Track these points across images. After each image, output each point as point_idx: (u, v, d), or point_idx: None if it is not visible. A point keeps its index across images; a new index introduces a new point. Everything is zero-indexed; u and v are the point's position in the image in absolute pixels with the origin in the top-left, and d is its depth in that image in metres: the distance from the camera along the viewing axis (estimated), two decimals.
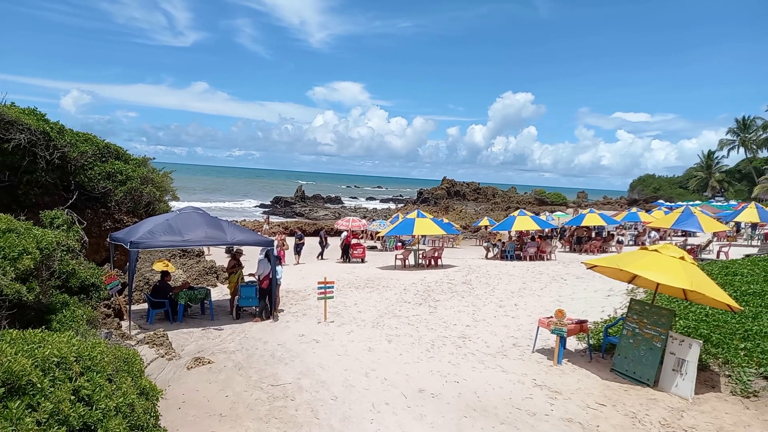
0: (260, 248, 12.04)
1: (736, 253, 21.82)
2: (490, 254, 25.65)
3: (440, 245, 27.22)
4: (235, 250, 12.92)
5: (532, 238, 25.76)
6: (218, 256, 18.23)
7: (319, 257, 25.23)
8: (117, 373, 4.95)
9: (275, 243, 12.69)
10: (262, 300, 11.77)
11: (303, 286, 16.17)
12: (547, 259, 23.69)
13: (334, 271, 19.47)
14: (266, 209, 65.90)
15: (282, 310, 12.62)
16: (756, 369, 7.72)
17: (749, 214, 26.68)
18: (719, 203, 50.57)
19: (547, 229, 29.15)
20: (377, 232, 32.66)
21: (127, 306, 10.84)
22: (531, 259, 23.62)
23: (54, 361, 3.85)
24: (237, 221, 39.36)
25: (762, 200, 48.01)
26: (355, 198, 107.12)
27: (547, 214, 46.43)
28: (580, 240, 28.12)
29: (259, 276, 11.76)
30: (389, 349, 9.57)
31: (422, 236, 27.73)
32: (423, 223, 21.43)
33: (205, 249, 21.04)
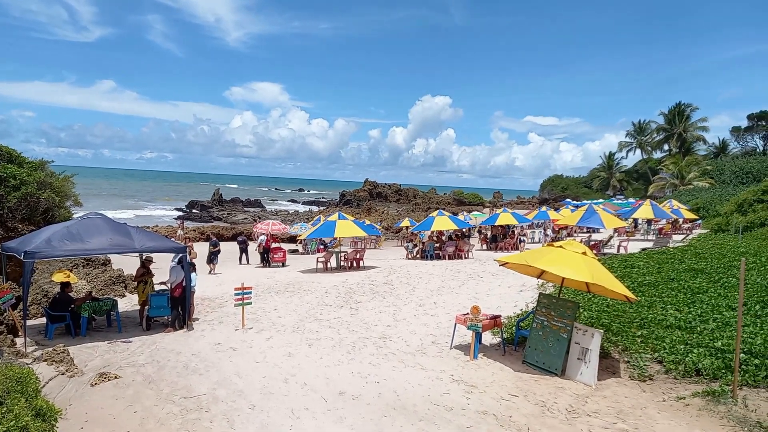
0: (173, 255, 11.51)
1: (634, 247, 23.65)
2: (411, 254, 26.11)
3: (362, 247, 27.35)
4: (144, 257, 12.25)
5: (450, 238, 26.48)
6: (127, 264, 17.09)
7: (244, 263, 24.47)
8: (8, 395, 4.59)
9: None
10: (174, 309, 11.25)
11: (220, 292, 15.65)
12: (465, 258, 24.46)
13: (253, 277, 19.01)
14: (182, 214, 63.14)
15: (197, 319, 12.13)
16: (651, 354, 8.38)
17: (645, 210, 29.01)
18: (619, 201, 54.46)
19: (465, 229, 30.08)
20: (298, 236, 32.20)
21: (22, 321, 9.97)
22: (450, 258, 24.29)
23: None
24: (149, 227, 37.43)
25: (656, 198, 52.34)
26: (275, 201, 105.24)
27: (465, 214, 47.99)
28: (495, 238, 29.28)
29: (171, 284, 11.24)
30: (310, 354, 9.47)
31: (344, 238, 27.73)
32: (344, 225, 21.43)
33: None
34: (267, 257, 23.52)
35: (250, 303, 11.79)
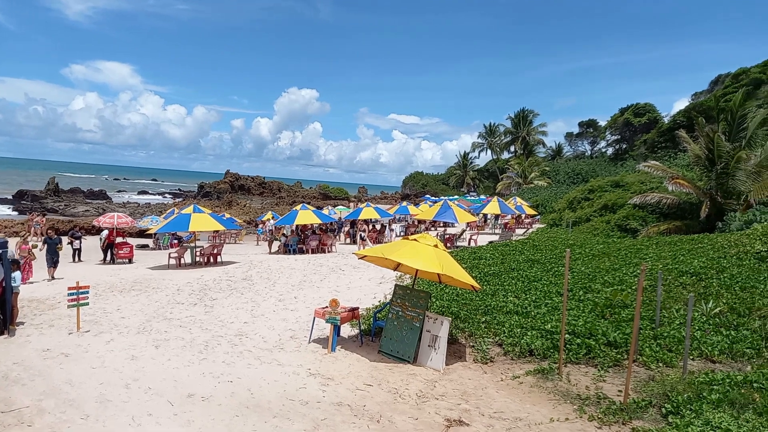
0: None
1: (483, 240, 25.59)
2: (273, 248, 25.61)
3: (221, 241, 26.20)
4: None
5: (313, 232, 26.40)
6: None
7: (75, 260, 21.82)
8: None
9: (15, 250, 10.60)
10: None
11: (52, 293, 13.91)
12: (328, 252, 24.56)
13: (93, 275, 17.21)
14: (8, 205, 55.16)
15: (22, 323, 10.67)
16: (493, 338, 9.11)
17: (493, 206, 31.52)
18: (472, 197, 58.52)
19: (328, 223, 30.15)
20: (147, 229, 29.86)
21: None
22: (313, 251, 24.22)
23: None
24: None
25: (503, 195, 57.15)
26: (124, 192, 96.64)
27: (330, 208, 48.23)
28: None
29: None
30: (156, 356, 8.81)
31: (203, 233, 26.31)
32: (200, 219, 20.32)
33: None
34: (111, 253, 21.46)
35: (87, 303, 10.64)
